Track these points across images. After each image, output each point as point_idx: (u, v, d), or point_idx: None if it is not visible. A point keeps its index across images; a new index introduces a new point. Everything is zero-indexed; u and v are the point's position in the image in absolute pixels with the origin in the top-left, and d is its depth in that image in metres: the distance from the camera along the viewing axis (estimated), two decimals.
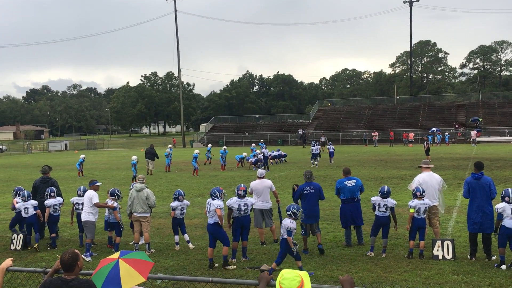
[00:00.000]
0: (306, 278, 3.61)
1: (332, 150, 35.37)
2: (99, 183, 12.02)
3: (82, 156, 32.00)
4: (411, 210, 10.39)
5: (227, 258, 10.04)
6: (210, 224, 10.15)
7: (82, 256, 11.13)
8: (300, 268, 9.17)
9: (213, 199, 10.19)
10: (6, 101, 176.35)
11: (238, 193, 10.52)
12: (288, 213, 9.40)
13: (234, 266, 9.97)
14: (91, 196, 11.53)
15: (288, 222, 9.22)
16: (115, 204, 11.53)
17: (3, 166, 44.00)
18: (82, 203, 12.03)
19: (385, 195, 10.64)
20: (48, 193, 12.59)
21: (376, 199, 10.72)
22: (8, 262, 5.32)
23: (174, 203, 11.62)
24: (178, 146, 71.28)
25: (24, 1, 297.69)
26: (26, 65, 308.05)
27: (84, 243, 11.68)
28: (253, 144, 37.10)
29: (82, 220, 11.59)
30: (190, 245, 11.62)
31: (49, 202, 12.44)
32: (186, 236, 11.74)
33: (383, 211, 10.56)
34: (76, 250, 4.74)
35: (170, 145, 37.07)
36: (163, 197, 19.80)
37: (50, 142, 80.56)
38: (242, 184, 10.78)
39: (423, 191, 10.51)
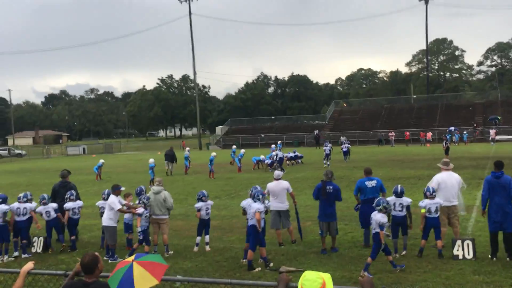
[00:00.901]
0: (328, 280, 3.58)
1: (345, 149, 35.88)
2: (122, 188, 12.06)
3: (102, 161, 32.51)
4: (422, 210, 10.36)
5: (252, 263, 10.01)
6: (249, 226, 10.15)
7: (109, 260, 11.24)
8: (391, 263, 9.37)
9: (254, 201, 10.14)
10: (25, 106, 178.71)
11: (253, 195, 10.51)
12: (379, 207, 9.60)
13: (259, 269, 9.94)
14: (112, 202, 11.56)
15: (379, 217, 9.45)
16: (140, 210, 11.26)
17: (23, 170, 44.61)
18: (78, 208, 12.38)
19: (399, 194, 10.55)
20: (68, 196, 12.74)
21: (391, 199, 10.58)
22: (29, 265, 5.39)
23: (199, 204, 11.60)
24: (195, 149, 71.52)
25: (41, 6, 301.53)
26: (44, 70, 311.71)
27: (105, 246, 11.74)
28: (273, 146, 37.15)
29: (103, 224, 11.63)
30: (207, 248, 11.60)
31: (68, 205, 12.59)
32: (207, 238, 11.71)
33: (399, 211, 10.47)
34: (96, 253, 4.78)
35: (188, 148, 37.59)
36: (180, 200, 19.89)
37: (69, 147, 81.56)
38: (258, 187, 10.79)
39: (433, 191, 10.43)
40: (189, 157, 32.95)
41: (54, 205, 12.59)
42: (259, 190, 10.51)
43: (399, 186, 10.82)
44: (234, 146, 38.30)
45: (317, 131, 66.64)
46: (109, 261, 11.10)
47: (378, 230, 9.39)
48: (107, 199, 11.99)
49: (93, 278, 4.64)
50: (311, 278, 3.55)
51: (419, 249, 10.33)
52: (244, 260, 10.40)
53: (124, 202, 11.87)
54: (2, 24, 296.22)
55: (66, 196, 12.80)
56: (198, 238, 11.66)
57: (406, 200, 10.61)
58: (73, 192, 12.86)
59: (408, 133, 58.73)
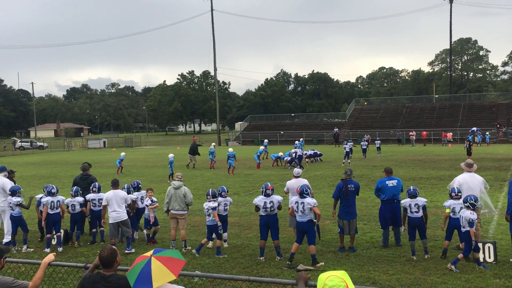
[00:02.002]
0: (347, 278, 3.50)
1: (364, 147, 38.84)
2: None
3: (123, 154, 32.89)
4: (447, 210, 10.23)
5: (315, 257, 9.99)
6: (304, 222, 10.04)
7: (125, 250, 11.42)
8: (477, 261, 9.44)
9: (304, 197, 10.05)
10: (48, 99, 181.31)
11: (266, 192, 10.43)
12: (466, 204, 9.60)
13: (323, 263, 9.89)
14: (127, 196, 11.92)
15: (468, 214, 9.43)
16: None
17: (44, 162, 45.29)
18: (98, 200, 12.41)
19: (413, 194, 10.35)
20: (91, 187, 12.87)
21: (406, 201, 10.44)
22: (50, 257, 5.47)
23: (218, 199, 11.57)
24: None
25: (65, 2, 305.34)
26: (67, 64, 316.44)
27: (128, 238, 11.87)
28: (296, 142, 37.35)
29: (118, 221, 11.60)
30: (225, 244, 11.58)
31: (89, 196, 12.73)
32: (225, 235, 11.68)
33: (415, 212, 10.28)
34: (114, 247, 4.85)
35: (214, 144, 38.22)
36: (199, 195, 19.97)
37: (89, 140, 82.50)
38: (269, 184, 10.70)
39: (459, 191, 10.29)
40: (214, 152, 33.08)
41: (80, 199, 12.75)
42: (306, 185, 10.43)
43: (411, 187, 10.62)
44: (266, 141, 40.04)
45: (336, 129, 66.28)
46: (125, 251, 11.36)
47: (468, 228, 9.36)
48: (97, 192, 12.59)
49: (111, 272, 4.71)
50: (334, 285, 3.37)
51: (443, 250, 10.20)
52: (261, 258, 10.39)
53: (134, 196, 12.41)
54: (27, 18, 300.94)
55: (91, 187, 12.91)
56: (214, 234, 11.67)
57: (421, 200, 10.41)
58: (97, 184, 12.93)
59: (425, 132, 58.07)
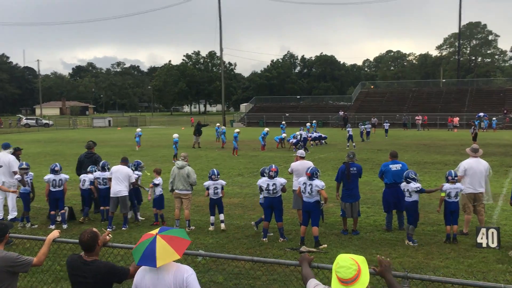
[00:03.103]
0: (363, 264, 3.44)
1: (368, 129, 40.01)
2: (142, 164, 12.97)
3: (139, 129, 35.08)
4: (442, 194, 10.22)
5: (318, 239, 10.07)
6: (311, 203, 10.05)
7: (122, 227, 11.56)
8: (408, 235, 9.62)
9: (313, 180, 10.04)
10: (53, 77, 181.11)
11: (270, 174, 10.42)
12: (407, 180, 10.13)
13: (326, 245, 9.95)
14: (131, 174, 12.07)
15: (412, 185, 10.07)
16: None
17: (50, 140, 45.44)
18: (103, 179, 12.49)
19: (408, 180, 10.23)
20: (101, 166, 12.84)
21: (402, 185, 10.40)
22: (55, 233, 5.49)
23: (207, 182, 11.58)
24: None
25: None
26: (73, 43, 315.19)
27: (124, 216, 11.99)
28: (308, 124, 38.02)
29: (119, 196, 11.74)
30: (222, 226, 11.47)
31: (96, 174, 12.81)
32: (222, 216, 11.58)
33: (407, 196, 10.23)
34: (95, 229, 4.63)
35: (218, 124, 39.31)
36: (204, 175, 19.92)
37: (95, 119, 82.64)
38: (273, 165, 10.67)
39: (455, 175, 10.25)
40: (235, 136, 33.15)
41: (91, 176, 12.83)
42: (315, 167, 10.39)
43: (410, 171, 10.46)
44: (222, 127, 39.04)
45: (342, 112, 66.03)
46: (122, 228, 11.60)
47: (415, 198, 10.02)
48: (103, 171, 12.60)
49: (93, 257, 4.53)
50: (345, 265, 3.34)
51: (446, 235, 10.15)
52: (265, 239, 10.43)
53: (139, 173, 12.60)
54: None
55: (102, 165, 12.88)
56: (212, 218, 11.55)
57: (411, 186, 10.14)
58: (102, 163, 12.93)
59: (425, 117, 58.25)
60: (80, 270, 4.47)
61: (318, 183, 10.01)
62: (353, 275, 3.33)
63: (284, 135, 33.85)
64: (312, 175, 10.08)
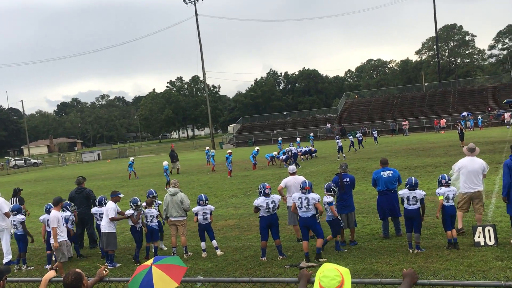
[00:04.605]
0: (347, 276, 3.47)
1: (360, 138, 41.07)
2: (121, 195, 11.94)
3: (132, 158, 35.66)
4: (440, 198, 10.09)
5: (320, 251, 10.02)
6: (308, 218, 9.99)
7: (108, 265, 11.25)
8: (336, 243, 9.71)
9: (308, 193, 10.02)
10: (38, 115, 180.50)
11: (265, 192, 10.35)
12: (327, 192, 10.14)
13: (325, 259, 9.82)
14: (109, 208, 11.40)
15: (325, 198, 10.16)
16: (130, 211, 11.40)
17: (39, 179, 45.05)
18: (99, 214, 12.05)
19: (413, 186, 10.06)
20: (98, 201, 12.48)
21: (404, 192, 10.20)
22: (51, 273, 5.40)
23: (196, 208, 11.31)
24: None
25: (48, 16, 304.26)
26: (56, 79, 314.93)
27: (109, 254, 11.50)
28: (298, 139, 39.16)
29: (102, 231, 11.46)
30: (218, 252, 11.22)
31: (93, 210, 12.62)
32: (214, 243, 11.28)
33: (412, 204, 10.02)
34: (78, 270, 4.49)
35: (208, 147, 40.48)
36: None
37: (83, 153, 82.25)
38: (266, 184, 10.63)
39: (449, 179, 10.28)
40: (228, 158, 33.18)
41: (46, 216, 11.90)
42: (309, 182, 10.38)
43: (413, 178, 10.31)
44: (211, 150, 38.19)
45: (329, 124, 66.33)
46: (109, 267, 11.08)
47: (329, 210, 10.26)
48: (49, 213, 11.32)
49: None
50: (329, 275, 3.39)
51: (448, 240, 9.90)
52: (263, 259, 10.35)
53: (119, 210, 11.61)
54: (12, 36, 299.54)
55: (99, 200, 12.53)
56: (203, 244, 11.28)
57: (420, 193, 10.08)
58: (102, 197, 12.45)
59: (406, 122, 59.16)
60: None
61: (314, 196, 10.01)
62: (336, 287, 3.35)
63: (274, 153, 33.99)
64: (311, 188, 10.14)
